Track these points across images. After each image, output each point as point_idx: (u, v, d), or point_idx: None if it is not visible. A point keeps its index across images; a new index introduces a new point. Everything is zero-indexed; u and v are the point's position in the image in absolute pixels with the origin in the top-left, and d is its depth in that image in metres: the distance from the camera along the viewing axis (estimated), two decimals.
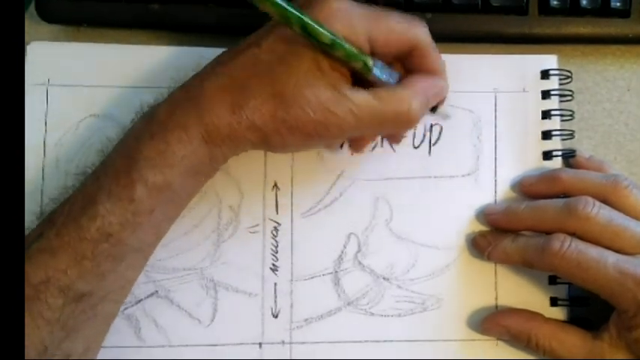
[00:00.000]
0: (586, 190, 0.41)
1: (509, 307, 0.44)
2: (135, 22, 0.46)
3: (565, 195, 0.42)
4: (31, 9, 0.46)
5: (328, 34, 0.35)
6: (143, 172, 0.36)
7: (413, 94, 0.38)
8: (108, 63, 0.45)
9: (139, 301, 0.43)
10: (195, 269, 0.44)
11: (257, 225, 0.44)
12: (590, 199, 0.39)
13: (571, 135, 0.45)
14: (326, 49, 0.36)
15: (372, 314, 0.44)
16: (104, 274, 0.36)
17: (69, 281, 0.35)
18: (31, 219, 0.43)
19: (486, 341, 0.44)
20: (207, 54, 0.45)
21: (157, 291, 0.43)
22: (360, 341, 0.43)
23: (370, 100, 0.37)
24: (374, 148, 0.45)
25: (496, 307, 0.44)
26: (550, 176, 0.43)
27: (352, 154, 0.45)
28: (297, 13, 0.34)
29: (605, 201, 0.40)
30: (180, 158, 0.37)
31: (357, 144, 0.44)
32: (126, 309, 0.43)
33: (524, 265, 0.41)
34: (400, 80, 0.40)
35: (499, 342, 0.44)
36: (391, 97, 0.38)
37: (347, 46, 0.36)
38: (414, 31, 0.39)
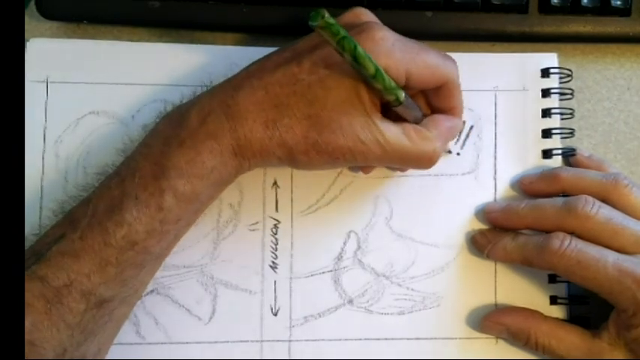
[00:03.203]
0: (586, 189, 0.41)
1: (508, 305, 0.44)
2: (135, 20, 0.46)
3: (565, 194, 0.42)
4: (31, 6, 0.45)
5: (373, 65, 0.35)
6: (172, 181, 0.36)
7: (438, 136, 0.40)
8: (107, 60, 0.45)
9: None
10: (195, 267, 0.44)
11: (257, 223, 0.44)
12: (590, 198, 0.39)
13: (571, 133, 0.45)
14: (367, 79, 0.36)
15: (372, 312, 0.44)
16: (126, 281, 0.36)
17: (92, 286, 0.35)
18: (30, 216, 0.43)
19: (486, 339, 0.44)
20: (208, 51, 0.45)
21: (156, 288, 0.43)
22: (360, 339, 0.43)
23: (399, 136, 0.38)
24: None
25: (495, 305, 0.44)
26: (550, 175, 0.43)
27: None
28: (354, 42, 0.33)
29: (605, 200, 0.40)
30: (209, 169, 0.36)
31: (368, 168, 0.44)
32: None
33: (524, 264, 0.41)
34: (421, 117, 0.40)
35: (499, 340, 0.44)
36: (419, 136, 0.39)
37: (387, 78, 0.36)
38: (447, 68, 0.39)
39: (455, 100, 0.41)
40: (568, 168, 0.44)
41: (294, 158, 0.38)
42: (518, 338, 0.42)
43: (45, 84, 0.45)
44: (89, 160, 0.44)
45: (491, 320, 0.43)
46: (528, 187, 0.44)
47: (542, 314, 0.42)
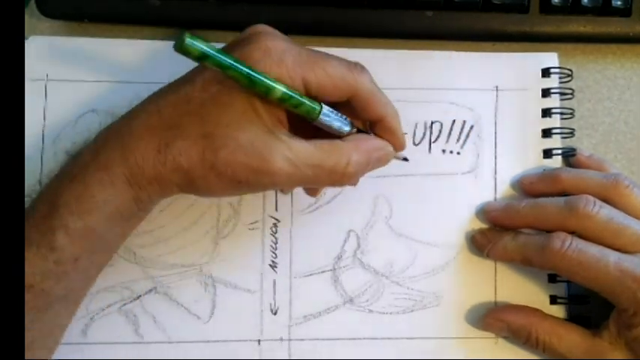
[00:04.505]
0: (587, 189, 0.41)
1: (509, 303, 0.44)
2: (135, 18, 0.46)
3: (565, 194, 0.42)
4: (32, 4, 0.45)
5: (281, 88, 0.33)
6: (63, 219, 0.34)
7: (354, 149, 0.36)
8: (107, 58, 0.45)
9: (138, 297, 0.43)
10: (194, 266, 0.43)
11: (256, 222, 0.44)
12: (591, 198, 0.39)
13: (571, 133, 0.45)
14: (261, 95, 0.34)
15: (371, 311, 0.44)
16: (27, 326, 0.34)
17: None
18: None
19: (486, 339, 0.44)
20: None
21: (155, 287, 0.43)
22: (359, 338, 0.43)
23: (309, 149, 0.35)
24: None
25: (495, 305, 0.44)
26: (550, 175, 0.43)
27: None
28: (245, 71, 0.32)
29: (606, 200, 0.40)
30: (101, 202, 0.35)
31: (312, 190, 0.42)
32: (124, 305, 0.43)
33: (524, 264, 0.41)
34: (353, 130, 0.38)
35: (498, 340, 0.44)
36: (331, 149, 0.36)
37: (296, 95, 0.34)
38: (353, 78, 0.36)
39: (375, 111, 0.37)
40: (568, 169, 0.44)
41: (193, 184, 0.35)
42: (518, 336, 0.42)
43: (44, 82, 0.45)
44: None
45: (492, 317, 0.43)
46: (529, 188, 0.44)
47: (543, 312, 0.42)
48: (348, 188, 0.44)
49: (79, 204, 0.34)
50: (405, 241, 0.44)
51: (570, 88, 0.46)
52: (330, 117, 0.36)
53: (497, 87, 0.46)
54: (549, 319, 0.42)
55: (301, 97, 0.35)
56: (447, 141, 0.45)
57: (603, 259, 0.38)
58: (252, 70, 0.33)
